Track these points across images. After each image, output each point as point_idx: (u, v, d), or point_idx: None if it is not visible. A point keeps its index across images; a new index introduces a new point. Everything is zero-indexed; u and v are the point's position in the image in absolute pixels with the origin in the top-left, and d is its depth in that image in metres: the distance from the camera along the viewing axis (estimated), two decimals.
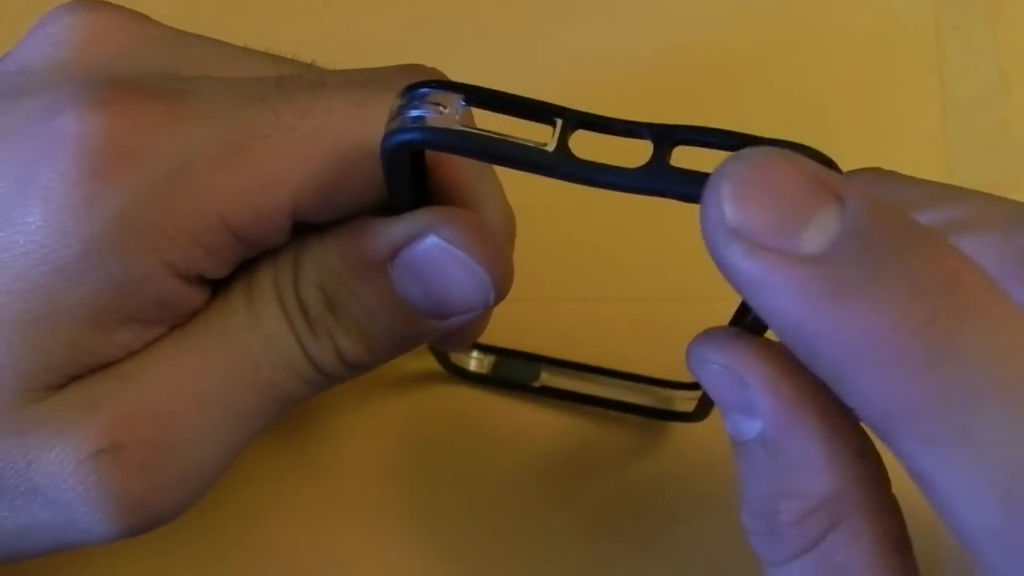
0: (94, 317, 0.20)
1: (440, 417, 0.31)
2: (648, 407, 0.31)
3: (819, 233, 0.15)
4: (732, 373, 0.19)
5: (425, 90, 0.18)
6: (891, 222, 0.15)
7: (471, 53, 0.35)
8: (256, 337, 0.21)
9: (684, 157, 0.18)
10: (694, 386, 0.29)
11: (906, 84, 0.35)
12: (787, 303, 0.15)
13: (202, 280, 0.21)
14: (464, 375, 0.31)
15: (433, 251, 0.21)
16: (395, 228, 0.21)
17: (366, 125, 0.20)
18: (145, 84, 0.20)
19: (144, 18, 0.23)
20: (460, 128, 0.18)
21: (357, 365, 0.22)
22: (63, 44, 0.22)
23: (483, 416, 0.31)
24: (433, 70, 0.23)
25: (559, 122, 0.18)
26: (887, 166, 0.34)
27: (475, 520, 0.31)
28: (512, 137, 0.18)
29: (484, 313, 0.24)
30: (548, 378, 0.31)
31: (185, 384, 0.21)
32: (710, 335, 0.20)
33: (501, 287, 0.22)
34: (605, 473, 0.31)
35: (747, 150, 0.16)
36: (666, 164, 0.17)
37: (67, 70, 0.21)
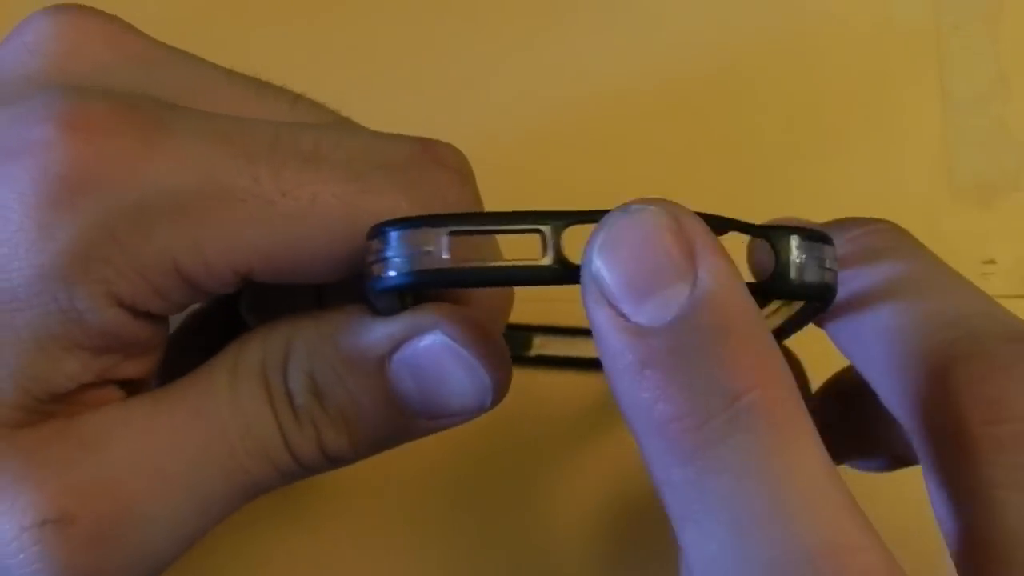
0: (39, 342, 0.19)
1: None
2: None
3: (656, 310, 0.16)
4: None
5: (402, 231, 0.18)
6: (721, 317, 0.16)
7: (470, 64, 0.35)
8: (235, 420, 0.20)
9: None
10: None
11: (906, 84, 0.35)
12: (607, 357, 0.16)
13: (151, 316, 0.20)
14: None
15: (435, 348, 0.20)
16: (397, 322, 0.20)
17: (350, 221, 0.20)
18: (119, 110, 0.19)
19: (127, 29, 0.22)
20: (450, 267, 0.17)
21: (337, 459, 0.21)
22: (39, 54, 0.21)
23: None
24: (449, 148, 0.22)
25: (547, 230, 0.17)
26: (887, 166, 0.34)
27: (478, 503, 0.31)
28: (503, 262, 0.18)
29: None
30: (542, 345, 0.30)
31: (150, 459, 0.20)
32: None
33: (500, 391, 0.21)
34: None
35: (632, 205, 0.16)
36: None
37: (41, 83, 0.20)
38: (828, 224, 0.22)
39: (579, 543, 0.31)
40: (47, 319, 0.19)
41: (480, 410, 0.21)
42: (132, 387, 0.21)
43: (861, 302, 0.20)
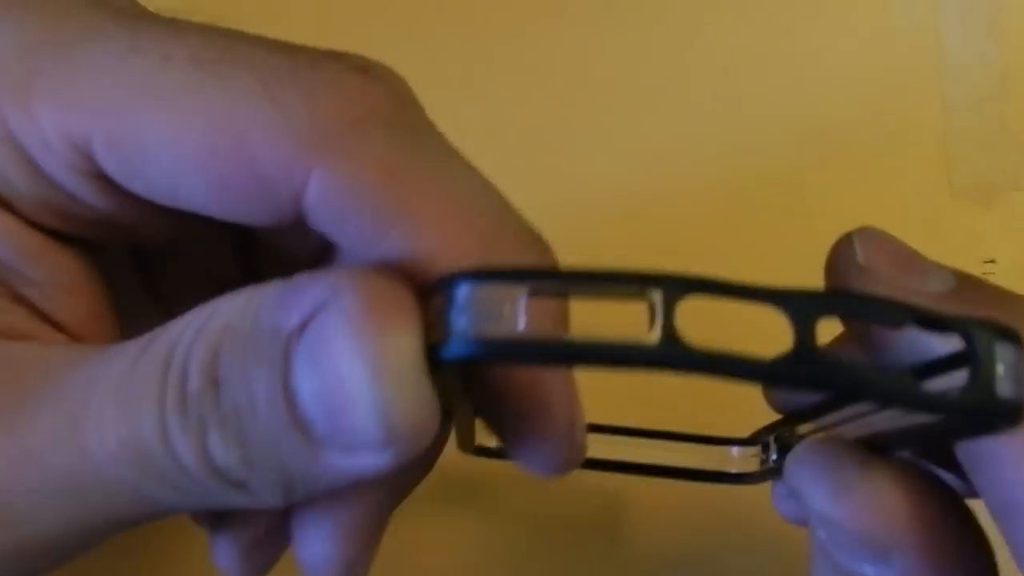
0: None
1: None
2: (696, 470, 0.26)
3: None
4: (866, 518, 0.17)
5: (472, 285, 0.14)
6: None
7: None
8: (118, 398, 0.16)
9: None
10: (753, 441, 0.25)
11: (906, 84, 0.35)
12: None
13: (61, 236, 0.18)
14: (486, 452, 0.25)
15: (328, 331, 0.15)
16: (309, 289, 0.15)
17: (210, 103, 0.16)
18: None
19: None
20: (529, 338, 0.14)
21: (228, 477, 0.15)
22: None
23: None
24: (373, 65, 0.18)
25: (658, 296, 0.14)
26: (887, 166, 0.34)
27: None
28: (597, 338, 0.14)
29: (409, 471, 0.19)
30: (591, 446, 0.26)
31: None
32: (822, 462, 0.18)
33: (411, 436, 0.15)
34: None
35: None
36: (814, 352, 0.14)
37: None
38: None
39: None
40: None
41: (380, 460, 0.15)
42: (68, 335, 0.18)
43: None
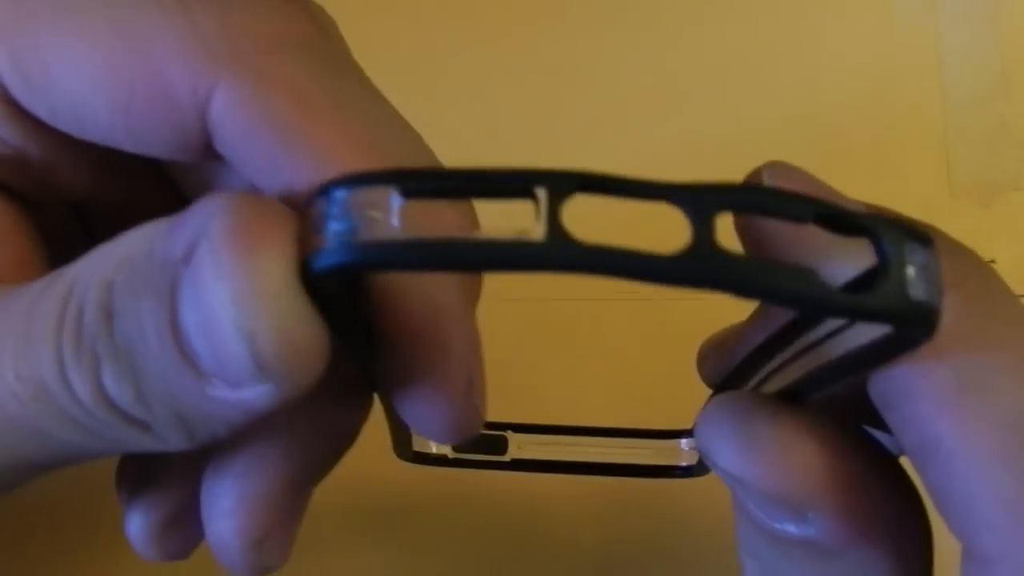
0: None
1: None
2: (642, 466, 0.25)
3: None
4: (776, 476, 0.16)
5: (346, 190, 0.13)
6: None
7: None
8: (21, 329, 0.15)
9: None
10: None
11: (906, 84, 0.35)
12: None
13: None
14: (424, 459, 0.24)
15: (203, 254, 0.14)
16: (191, 217, 0.14)
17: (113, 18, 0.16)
18: None
19: None
20: (401, 239, 0.13)
21: (127, 416, 0.15)
22: None
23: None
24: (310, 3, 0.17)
25: (543, 193, 0.13)
26: (887, 165, 0.34)
27: None
28: (476, 236, 0.13)
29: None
30: (520, 447, 0.25)
31: None
32: (729, 416, 0.17)
33: (293, 374, 0.14)
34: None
35: None
36: (712, 248, 0.13)
37: None
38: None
39: None
40: None
41: (267, 392, 0.14)
42: None
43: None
